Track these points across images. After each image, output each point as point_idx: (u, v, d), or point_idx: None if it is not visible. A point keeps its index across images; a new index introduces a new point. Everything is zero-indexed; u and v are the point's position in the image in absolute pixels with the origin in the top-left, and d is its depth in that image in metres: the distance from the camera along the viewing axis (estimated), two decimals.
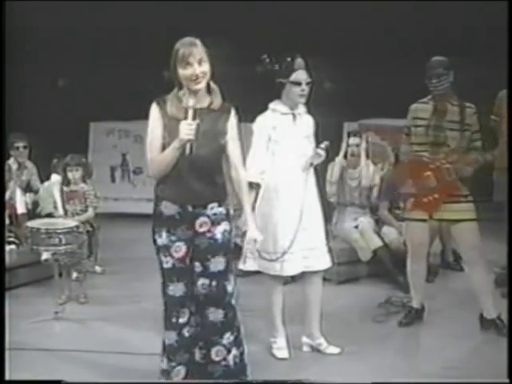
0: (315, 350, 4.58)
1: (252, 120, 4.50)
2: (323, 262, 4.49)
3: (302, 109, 4.43)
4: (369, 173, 6.39)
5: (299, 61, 4.33)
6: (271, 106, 4.42)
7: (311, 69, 4.35)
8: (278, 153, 4.34)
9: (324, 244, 4.50)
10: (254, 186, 4.25)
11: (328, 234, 4.58)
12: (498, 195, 5.84)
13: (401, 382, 4.03)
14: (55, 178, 5.63)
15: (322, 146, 4.36)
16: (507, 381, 3.65)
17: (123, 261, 6.92)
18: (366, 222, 6.34)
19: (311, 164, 4.37)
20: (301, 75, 4.30)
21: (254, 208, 4.21)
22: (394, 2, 8.01)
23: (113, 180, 10.04)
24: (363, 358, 4.45)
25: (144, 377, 4.11)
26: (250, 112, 4.36)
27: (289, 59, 4.35)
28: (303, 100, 4.33)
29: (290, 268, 4.38)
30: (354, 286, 6.09)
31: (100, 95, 10.07)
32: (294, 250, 4.32)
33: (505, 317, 4.61)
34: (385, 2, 8.04)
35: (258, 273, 6.33)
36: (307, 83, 4.29)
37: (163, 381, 3.83)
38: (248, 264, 4.39)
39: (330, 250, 4.55)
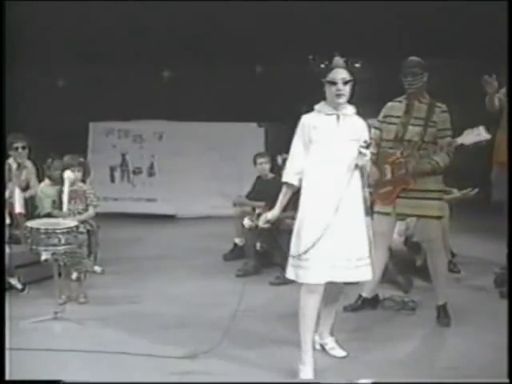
0: (324, 348, 4.52)
1: None
2: (362, 273, 4.15)
3: (348, 110, 4.19)
4: None
5: (337, 59, 4.15)
6: (316, 107, 4.22)
7: (352, 67, 4.14)
8: (318, 154, 4.11)
9: (365, 255, 4.15)
10: (289, 186, 4.21)
11: (371, 245, 4.20)
12: (496, 194, 5.71)
13: (401, 381, 4.03)
14: (68, 174, 5.61)
15: (363, 144, 4.08)
16: (507, 381, 3.65)
17: (123, 261, 6.92)
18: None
19: (356, 165, 4.07)
20: (337, 74, 4.09)
21: (286, 209, 4.28)
22: (397, 3, 8.00)
23: (112, 180, 10.04)
24: (362, 357, 4.44)
25: (144, 377, 4.11)
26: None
27: (327, 58, 4.20)
28: (341, 100, 4.10)
29: (314, 275, 4.02)
30: (353, 286, 6.06)
31: (100, 95, 10.08)
32: (320, 258, 3.99)
33: (504, 316, 4.59)
34: (387, 3, 8.04)
35: (257, 273, 6.38)
36: (345, 82, 4.08)
37: (163, 381, 3.82)
38: (288, 272, 4.16)
39: (372, 263, 4.20)
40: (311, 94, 4.20)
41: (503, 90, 5.49)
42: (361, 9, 8.41)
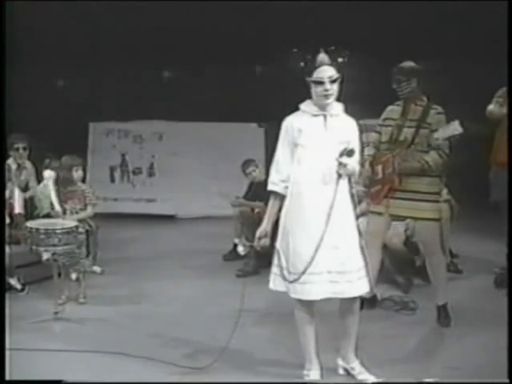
0: (350, 373, 4.19)
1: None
2: (358, 286, 3.87)
3: (336, 109, 3.92)
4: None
5: (321, 56, 3.85)
6: (302, 106, 3.95)
7: (339, 63, 3.93)
8: (304, 159, 3.84)
9: (359, 266, 3.88)
10: (276, 196, 3.93)
11: (365, 256, 3.95)
12: (495, 194, 5.69)
13: (401, 381, 4.03)
14: (49, 173, 5.61)
15: (343, 151, 3.77)
16: (507, 381, 3.65)
17: (123, 261, 6.93)
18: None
19: (339, 175, 3.78)
20: (323, 72, 3.79)
21: (275, 219, 3.96)
22: (398, 3, 8.01)
23: (112, 180, 10.06)
24: (363, 357, 4.44)
25: (144, 377, 4.11)
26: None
27: (310, 55, 3.94)
28: (330, 100, 3.83)
29: (312, 291, 3.80)
30: None
31: (100, 95, 10.09)
32: (317, 271, 3.77)
33: (504, 316, 4.59)
34: (388, 3, 8.05)
35: (257, 273, 6.37)
36: (332, 81, 3.80)
37: (164, 381, 3.82)
38: (276, 283, 3.95)
39: (368, 273, 3.93)
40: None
41: (500, 92, 5.50)
42: (361, 9, 8.42)
